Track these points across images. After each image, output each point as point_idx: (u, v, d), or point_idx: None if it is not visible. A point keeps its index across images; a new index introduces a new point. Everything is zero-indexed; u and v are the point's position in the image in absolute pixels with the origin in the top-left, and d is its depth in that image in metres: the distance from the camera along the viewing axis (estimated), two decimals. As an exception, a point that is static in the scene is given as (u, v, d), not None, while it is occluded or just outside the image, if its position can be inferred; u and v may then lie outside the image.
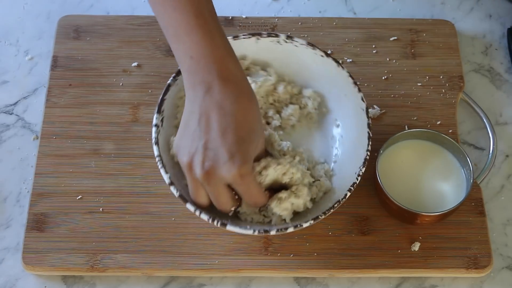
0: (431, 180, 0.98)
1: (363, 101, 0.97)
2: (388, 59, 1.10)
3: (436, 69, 1.09)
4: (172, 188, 0.90)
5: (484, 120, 1.05)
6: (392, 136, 0.98)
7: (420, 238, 0.97)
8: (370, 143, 0.94)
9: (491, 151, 1.03)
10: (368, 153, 0.94)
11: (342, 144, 0.99)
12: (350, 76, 0.98)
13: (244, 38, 0.99)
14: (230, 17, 1.13)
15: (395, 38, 1.11)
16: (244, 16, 1.13)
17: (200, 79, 0.84)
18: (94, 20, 1.12)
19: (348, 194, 0.91)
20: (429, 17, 1.16)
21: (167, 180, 0.90)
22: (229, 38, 0.96)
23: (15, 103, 1.08)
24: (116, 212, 0.98)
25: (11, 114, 1.07)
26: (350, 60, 1.09)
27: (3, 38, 1.13)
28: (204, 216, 0.89)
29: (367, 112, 0.96)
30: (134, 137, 1.03)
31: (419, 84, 1.08)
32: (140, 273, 0.95)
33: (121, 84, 1.07)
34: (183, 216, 0.98)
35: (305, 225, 0.90)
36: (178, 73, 0.97)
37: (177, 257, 0.95)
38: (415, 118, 1.05)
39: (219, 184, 0.85)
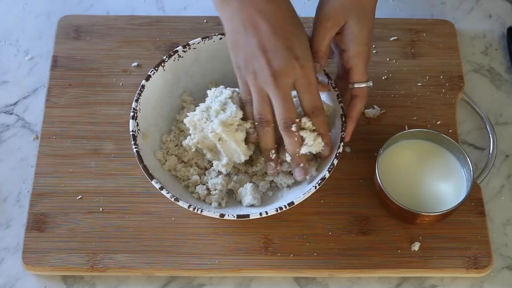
0: (431, 180, 0.98)
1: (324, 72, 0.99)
2: (388, 59, 1.10)
3: (436, 69, 1.09)
4: (164, 192, 0.91)
5: (484, 120, 1.05)
6: (392, 136, 0.98)
7: (420, 238, 0.97)
8: (340, 99, 0.96)
9: (491, 151, 1.03)
10: (344, 134, 0.95)
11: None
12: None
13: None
14: (230, 17, 1.12)
15: (395, 38, 1.11)
16: (244, 16, 1.13)
17: None
18: (94, 20, 1.12)
19: (336, 161, 0.92)
20: (429, 17, 1.16)
21: (157, 186, 0.92)
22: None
23: (15, 103, 1.08)
24: (116, 212, 0.98)
25: (11, 114, 1.07)
26: (350, 60, 1.09)
27: (3, 38, 1.13)
28: (184, 204, 0.90)
29: (329, 78, 0.98)
30: (134, 137, 1.03)
31: (419, 84, 1.08)
32: (140, 273, 0.95)
33: (121, 84, 1.07)
34: (183, 216, 0.98)
35: (296, 201, 0.91)
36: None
37: (178, 257, 0.95)
38: (415, 118, 1.05)
39: (287, 85, 0.87)
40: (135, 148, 0.94)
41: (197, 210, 0.90)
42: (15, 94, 1.08)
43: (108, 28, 1.11)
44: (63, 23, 1.12)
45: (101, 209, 0.98)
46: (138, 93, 0.97)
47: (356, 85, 0.94)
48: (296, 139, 0.90)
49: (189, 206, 0.91)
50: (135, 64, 1.08)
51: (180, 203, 0.91)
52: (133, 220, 0.98)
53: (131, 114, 0.95)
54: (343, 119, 0.95)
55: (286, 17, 0.88)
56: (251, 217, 0.91)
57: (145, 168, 0.92)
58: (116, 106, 1.05)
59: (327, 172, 0.92)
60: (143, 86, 0.97)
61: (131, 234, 0.97)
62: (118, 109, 1.05)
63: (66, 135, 1.03)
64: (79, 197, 0.99)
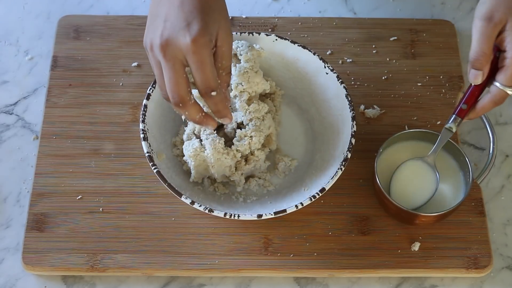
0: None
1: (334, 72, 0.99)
2: (388, 59, 1.10)
3: (436, 69, 1.09)
4: (196, 206, 0.91)
5: (484, 120, 1.05)
6: (392, 136, 0.98)
7: (420, 238, 0.97)
8: (352, 102, 0.96)
9: (491, 151, 1.02)
10: (354, 113, 0.96)
11: (320, 121, 1.02)
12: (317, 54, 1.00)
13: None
14: (230, 17, 1.12)
15: (395, 38, 1.11)
16: (244, 16, 1.13)
17: None
18: (94, 20, 1.12)
19: (349, 154, 0.93)
20: (429, 17, 1.16)
21: (187, 201, 0.91)
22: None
23: (15, 103, 1.08)
24: (116, 212, 0.98)
25: (11, 114, 1.07)
26: (350, 60, 1.09)
27: (3, 38, 1.13)
28: (220, 213, 0.90)
29: (340, 80, 0.98)
30: (134, 137, 1.03)
31: (419, 84, 1.08)
32: (140, 273, 0.95)
33: (121, 84, 1.07)
34: (183, 216, 0.98)
35: (305, 202, 0.91)
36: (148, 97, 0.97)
37: (177, 257, 0.95)
38: (415, 118, 1.05)
39: (176, 57, 0.82)
40: (155, 168, 0.92)
41: (234, 216, 0.90)
42: (15, 94, 1.08)
43: (108, 28, 1.11)
44: (63, 23, 1.12)
45: (101, 209, 0.98)
46: (143, 114, 0.96)
47: (499, 86, 0.89)
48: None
49: (225, 214, 0.90)
50: (135, 64, 1.09)
51: (216, 213, 0.90)
52: (132, 220, 0.98)
53: (141, 136, 0.94)
54: (349, 99, 0.96)
55: None
56: (288, 211, 0.91)
57: (170, 186, 0.92)
58: (116, 106, 1.05)
59: (348, 152, 0.93)
60: (145, 106, 0.96)
61: (131, 234, 0.97)
62: (118, 109, 1.05)
63: (66, 135, 1.03)
64: (79, 197, 0.99)
